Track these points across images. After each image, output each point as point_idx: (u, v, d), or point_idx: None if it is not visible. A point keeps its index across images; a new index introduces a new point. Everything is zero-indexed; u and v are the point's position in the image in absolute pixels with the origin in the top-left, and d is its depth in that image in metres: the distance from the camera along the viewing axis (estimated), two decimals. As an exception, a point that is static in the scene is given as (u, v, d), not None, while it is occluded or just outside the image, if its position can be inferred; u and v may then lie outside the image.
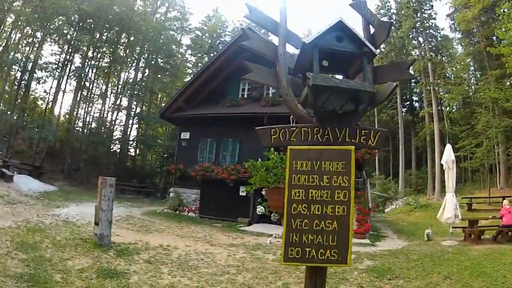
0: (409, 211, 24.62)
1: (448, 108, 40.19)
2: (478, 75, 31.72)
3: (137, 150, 36.33)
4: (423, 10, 36.31)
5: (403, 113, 40.34)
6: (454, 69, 38.01)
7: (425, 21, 35.75)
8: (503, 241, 11.75)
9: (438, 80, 35.55)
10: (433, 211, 23.45)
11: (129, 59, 32.43)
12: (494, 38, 26.75)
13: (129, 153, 35.75)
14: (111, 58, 30.55)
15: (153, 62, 33.77)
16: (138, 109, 34.60)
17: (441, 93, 36.43)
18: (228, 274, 6.66)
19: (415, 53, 38.97)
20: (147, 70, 33.91)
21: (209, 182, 15.69)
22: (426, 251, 10.09)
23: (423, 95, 38.95)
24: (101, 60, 30.36)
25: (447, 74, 38.80)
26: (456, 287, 6.53)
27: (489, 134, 24.50)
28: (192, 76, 25.32)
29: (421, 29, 36.00)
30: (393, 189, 33.15)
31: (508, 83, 24.92)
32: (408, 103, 44.87)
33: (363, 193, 15.79)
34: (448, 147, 13.04)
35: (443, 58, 37.69)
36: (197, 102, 18.34)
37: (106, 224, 7.78)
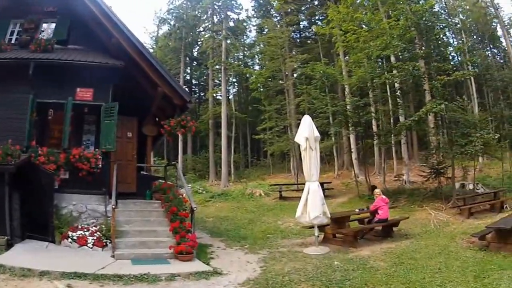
0: (205, 201, 18.29)
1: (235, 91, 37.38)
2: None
3: None
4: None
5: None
6: (248, 52, 35.05)
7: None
8: (373, 238, 8.57)
9: (231, 61, 31.24)
10: (234, 200, 18.12)
11: None
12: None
13: None
14: None
15: None
16: None
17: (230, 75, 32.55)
18: None
19: (207, 33, 35.20)
20: None
21: None
22: (313, 274, 5.79)
23: (206, 77, 35.34)
24: None
25: (240, 57, 35.63)
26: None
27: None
28: None
29: (220, 7, 31.80)
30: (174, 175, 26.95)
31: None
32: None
33: (172, 186, 8.99)
34: (308, 119, 8.27)
35: (238, 41, 33.73)
36: None
37: None
